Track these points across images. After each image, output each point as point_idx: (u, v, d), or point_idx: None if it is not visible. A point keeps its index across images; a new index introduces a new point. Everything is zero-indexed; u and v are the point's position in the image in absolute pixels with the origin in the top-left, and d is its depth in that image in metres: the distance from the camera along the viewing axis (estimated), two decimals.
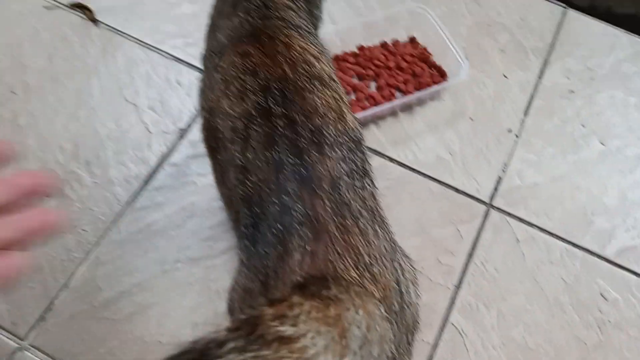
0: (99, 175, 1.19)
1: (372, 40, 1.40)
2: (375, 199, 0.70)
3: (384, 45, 1.40)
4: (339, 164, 0.67)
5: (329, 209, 0.63)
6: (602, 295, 1.12)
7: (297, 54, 0.74)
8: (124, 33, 1.39)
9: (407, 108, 1.32)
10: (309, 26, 0.88)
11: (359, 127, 0.76)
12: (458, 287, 1.12)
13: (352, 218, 0.64)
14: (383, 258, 0.64)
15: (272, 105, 0.69)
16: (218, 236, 1.13)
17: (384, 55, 1.38)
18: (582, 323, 1.09)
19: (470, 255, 1.15)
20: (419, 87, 1.32)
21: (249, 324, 0.50)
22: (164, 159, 1.22)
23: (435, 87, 1.30)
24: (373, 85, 1.34)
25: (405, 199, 1.20)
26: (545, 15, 1.48)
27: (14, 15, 1.39)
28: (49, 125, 1.25)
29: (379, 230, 0.66)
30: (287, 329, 0.49)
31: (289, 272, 0.61)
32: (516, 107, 1.34)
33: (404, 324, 0.66)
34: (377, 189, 0.74)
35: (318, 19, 1.01)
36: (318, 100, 0.71)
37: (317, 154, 0.67)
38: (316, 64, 0.75)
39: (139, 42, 1.38)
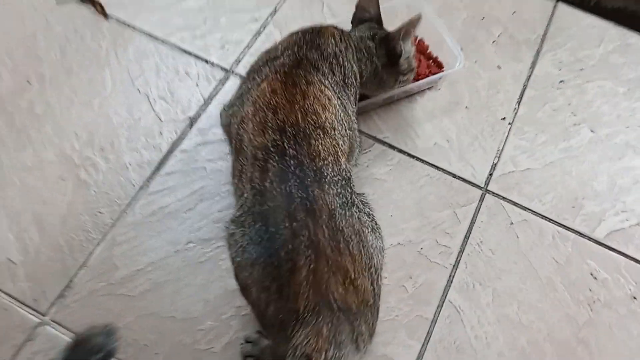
0: (113, 161, 1.25)
1: None
2: (361, 221, 0.90)
3: None
4: (335, 198, 0.87)
5: (327, 236, 0.83)
6: (592, 275, 1.18)
7: (309, 105, 0.94)
8: (134, 26, 1.44)
9: (406, 97, 1.38)
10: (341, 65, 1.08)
11: (349, 167, 0.96)
12: (455, 267, 1.18)
13: (344, 242, 0.85)
14: (363, 271, 0.86)
15: (286, 146, 0.89)
16: (228, 218, 1.18)
17: None
18: (573, 301, 1.15)
19: (466, 237, 1.21)
20: (417, 77, 1.36)
21: None
22: (174, 145, 1.28)
23: (432, 77, 1.35)
24: None
25: (405, 184, 1.26)
26: (536, 8, 1.54)
27: (27, 9, 1.44)
28: (64, 113, 1.30)
29: (362, 249, 0.87)
30: None
31: (298, 285, 0.81)
32: (510, 96, 1.39)
33: (377, 305, 0.90)
34: (364, 207, 0.94)
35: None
36: (320, 146, 0.90)
37: (319, 190, 0.86)
38: (322, 114, 0.94)
39: (148, 35, 1.43)
